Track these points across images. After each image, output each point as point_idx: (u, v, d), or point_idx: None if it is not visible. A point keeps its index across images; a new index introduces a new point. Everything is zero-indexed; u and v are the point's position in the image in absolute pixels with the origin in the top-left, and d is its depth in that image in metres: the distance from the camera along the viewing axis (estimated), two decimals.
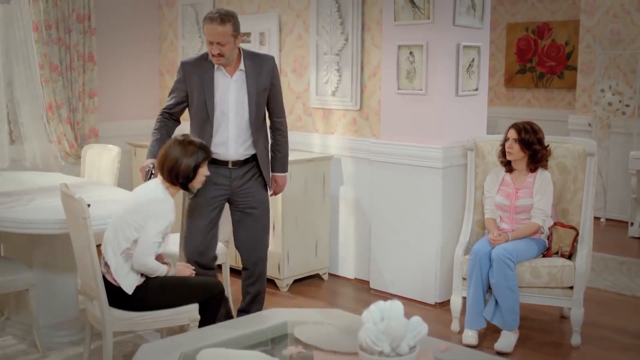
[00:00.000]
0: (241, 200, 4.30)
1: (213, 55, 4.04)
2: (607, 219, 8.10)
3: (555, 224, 4.70)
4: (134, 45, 7.25)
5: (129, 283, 3.62)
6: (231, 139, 4.18)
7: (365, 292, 5.54)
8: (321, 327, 3.04)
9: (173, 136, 4.01)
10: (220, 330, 3.19)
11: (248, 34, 6.40)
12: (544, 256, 4.63)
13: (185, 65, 4.18)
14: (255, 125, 4.22)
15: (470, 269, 4.52)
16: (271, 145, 4.40)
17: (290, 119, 6.14)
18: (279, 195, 5.38)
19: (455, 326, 4.71)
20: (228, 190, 4.24)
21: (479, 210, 4.90)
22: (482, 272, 4.47)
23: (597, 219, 7.90)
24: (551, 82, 9.43)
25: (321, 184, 5.70)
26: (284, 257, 5.50)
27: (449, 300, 4.88)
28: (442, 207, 5.08)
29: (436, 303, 5.18)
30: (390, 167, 5.32)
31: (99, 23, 6.76)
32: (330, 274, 5.89)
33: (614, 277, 5.94)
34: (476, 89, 5.28)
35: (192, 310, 3.69)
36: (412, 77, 5.14)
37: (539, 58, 9.49)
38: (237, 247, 4.45)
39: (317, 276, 5.84)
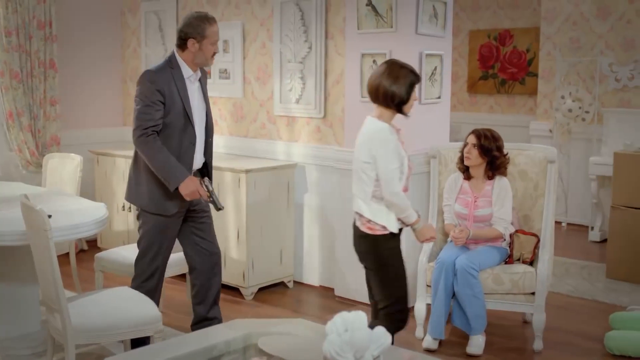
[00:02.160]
0: (198, 207, 4.25)
1: (213, 55, 4.07)
2: (568, 224, 8.22)
3: (516, 231, 4.76)
4: (96, 52, 7.19)
5: (392, 224, 3.64)
6: (198, 146, 4.14)
7: (330, 299, 5.55)
8: (286, 338, 3.04)
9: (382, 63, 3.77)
10: (184, 341, 3.17)
11: None
12: (505, 263, 4.68)
13: (158, 75, 3.98)
14: (210, 130, 4.24)
15: (435, 278, 4.55)
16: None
17: (254, 127, 6.15)
18: (244, 203, 5.39)
19: (419, 333, 4.74)
20: (190, 202, 4.14)
21: (442, 217, 4.94)
22: (447, 282, 4.50)
23: (558, 223, 8.01)
24: (513, 88, 9.54)
25: (285, 192, 5.70)
26: (248, 265, 5.48)
27: (413, 307, 4.90)
28: None
29: None
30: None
31: (60, 30, 6.69)
32: (295, 282, 5.89)
33: (576, 282, 6.03)
34: (439, 97, 5.32)
35: (156, 321, 3.67)
36: None
37: (500, 64, 9.60)
38: (194, 254, 4.30)
39: (282, 284, 5.83)
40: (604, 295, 5.70)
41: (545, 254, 4.60)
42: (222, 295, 5.52)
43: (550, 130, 8.31)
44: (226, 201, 5.51)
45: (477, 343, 4.50)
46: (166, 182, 3.95)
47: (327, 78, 5.63)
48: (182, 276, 4.91)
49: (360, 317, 2.42)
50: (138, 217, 4.20)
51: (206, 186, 4.04)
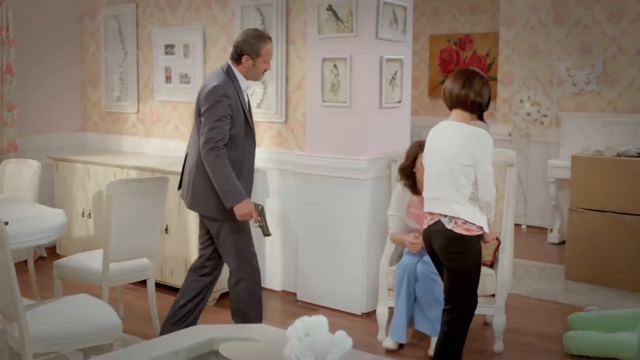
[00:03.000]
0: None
1: (264, 72, 4.30)
2: (528, 226, 8.32)
3: None
4: (54, 56, 7.10)
5: (484, 224, 3.81)
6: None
7: (292, 304, 5.55)
8: (247, 344, 3.02)
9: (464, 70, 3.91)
10: (144, 348, 3.14)
11: (172, 46, 6.35)
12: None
13: (228, 90, 4.15)
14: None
15: (398, 282, 4.57)
16: None
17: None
18: None
19: (381, 336, 4.75)
20: None
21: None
22: (409, 286, 4.53)
23: (518, 226, 8.10)
24: None
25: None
26: None
27: (375, 311, 4.93)
28: (368, 218, 5.13)
29: (363, 313, 5.22)
30: (315, 179, 5.35)
31: (17, 34, 6.59)
32: None
33: (535, 283, 6.10)
34: (399, 101, 5.36)
35: (116, 329, 3.63)
36: (336, 89, 5.18)
37: None
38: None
39: None
40: (563, 296, 5.78)
41: (505, 257, 4.65)
42: None
43: (510, 134, 8.41)
44: None
45: None
46: (224, 198, 4.09)
47: (289, 83, 5.63)
48: (143, 283, 4.87)
49: (321, 322, 2.42)
50: (216, 231, 4.31)
51: (259, 211, 4.17)
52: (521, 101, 8.16)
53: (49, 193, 6.60)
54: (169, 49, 6.39)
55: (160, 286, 5.58)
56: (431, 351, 4.50)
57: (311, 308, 5.35)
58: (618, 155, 6.17)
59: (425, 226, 3.94)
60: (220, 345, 2.97)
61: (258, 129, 5.80)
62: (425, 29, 10.00)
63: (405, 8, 5.30)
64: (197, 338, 3.09)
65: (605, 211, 6.07)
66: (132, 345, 3.45)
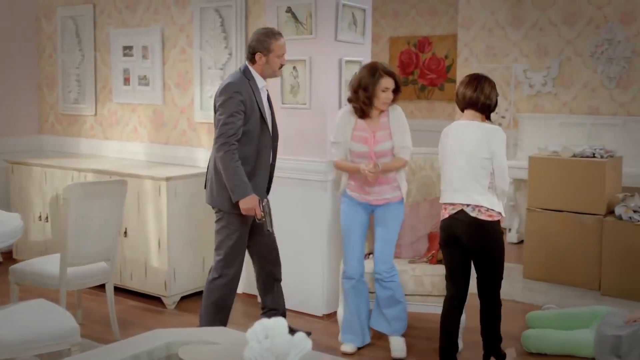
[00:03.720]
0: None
1: (280, 67, 4.43)
2: None
3: None
4: (10, 58, 6.99)
5: (502, 210, 4.17)
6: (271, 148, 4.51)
7: (253, 306, 5.53)
8: (207, 347, 3.00)
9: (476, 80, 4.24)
10: (102, 353, 3.10)
11: (130, 48, 6.30)
12: (429, 262, 4.73)
13: (241, 86, 4.27)
14: (275, 135, 4.56)
15: (346, 293, 4.60)
16: None
17: (175, 134, 6.08)
18: (165, 211, 5.33)
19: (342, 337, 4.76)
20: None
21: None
22: (358, 297, 4.57)
23: None
24: (432, 94, 9.73)
25: None
26: (170, 274, 5.42)
27: (336, 312, 4.93)
28: (329, 220, 5.14)
29: (324, 315, 5.23)
30: (275, 181, 5.31)
31: None
32: None
33: None
34: None
35: (74, 334, 3.58)
36: (295, 91, 5.19)
37: (420, 71, 9.77)
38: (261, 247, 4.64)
39: None
40: (521, 295, 5.86)
41: None
42: (142, 305, 5.48)
43: None
44: (146, 209, 5.43)
45: (399, 346, 4.55)
46: (231, 191, 4.22)
47: None
48: (102, 287, 4.81)
49: (281, 324, 2.42)
50: (218, 221, 4.42)
51: (263, 207, 4.26)
52: None
53: (5, 197, 6.49)
54: (127, 50, 6.34)
55: (119, 290, 5.53)
56: (394, 353, 4.52)
57: None
58: (574, 155, 6.26)
59: (446, 216, 4.20)
60: (179, 349, 2.95)
61: None
62: (385, 31, 10.05)
63: (364, 10, 5.33)
64: (156, 342, 3.07)
65: (562, 211, 6.16)
66: (90, 350, 3.41)
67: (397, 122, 4.56)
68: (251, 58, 4.36)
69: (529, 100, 8.27)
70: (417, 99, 9.82)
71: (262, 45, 4.31)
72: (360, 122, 4.55)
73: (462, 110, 4.29)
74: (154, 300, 5.53)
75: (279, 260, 4.72)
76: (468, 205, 4.11)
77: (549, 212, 6.23)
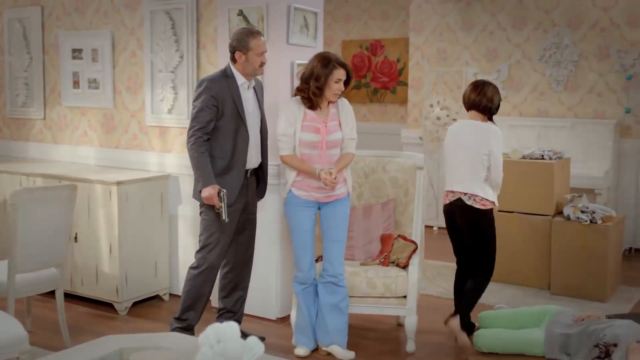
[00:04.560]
0: (250, 206, 4.68)
1: (261, 65, 4.48)
2: (439, 228, 8.48)
3: (398, 235, 4.86)
4: None
5: (496, 200, 4.81)
6: (256, 146, 4.57)
7: (207, 311, 5.48)
8: (159, 353, 2.98)
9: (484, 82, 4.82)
10: None
11: (80, 50, 6.22)
12: (381, 264, 4.76)
13: (214, 82, 4.42)
14: (264, 133, 4.67)
15: (298, 295, 4.60)
16: None
17: (125, 138, 6.02)
18: (116, 216, 5.27)
19: (295, 340, 4.75)
20: (245, 198, 4.59)
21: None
22: (312, 301, 4.59)
23: (430, 227, 8.28)
24: (385, 97, 9.79)
25: (159, 203, 5.61)
26: (121, 279, 5.35)
27: (289, 315, 4.93)
28: (282, 223, 5.13)
29: (277, 318, 5.22)
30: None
31: None
32: (171, 294, 5.79)
33: (447, 284, 6.22)
34: None
35: (22, 342, 3.52)
36: None
37: (372, 74, 9.83)
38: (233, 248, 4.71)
39: (157, 297, 5.73)
40: None
41: (416, 258, 4.73)
42: (93, 311, 5.41)
43: (421, 138, 8.57)
44: (97, 214, 5.37)
45: (341, 352, 4.55)
46: (196, 181, 4.44)
47: None
48: (51, 294, 4.74)
49: (233, 328, 2.41)
50: (200, 214, 4.57)
51: (221, 197, 4.33)
52: (431, 105, 8.33)
53: None
54: (77, 53, 6.26)
55: (70, 296, 5.45)
56: (342, 356, 4.53)
57: None
58: (523, 157, 6.36)
59: (447, 202, 4.84)
60: (131, 355, 2.92)
61: (168, 134, 5.75)
62: (337, 34, 10.10)
63: (316, 14, 5.34)
64: (108, 348, 3.03)
65: (512, 212, 6.25)
66: (39, 358, 3.36)
67: (345, 113, 4.56)
68: (232, 57, 4.47)
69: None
70: (369, 102, 9.88)
71: (240, 44, 4.40)
72: (310, 112, 4.48)
73: (468, 111, 4.85)
74: (106, 306, 5.47)
75: (250, 267, 4.79)
76: (465, 194, 4.72)
77: (500, 214, 6.25)
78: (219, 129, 4.41)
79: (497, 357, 4.64)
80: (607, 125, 7.53)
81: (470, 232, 4.80)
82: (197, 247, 4.60)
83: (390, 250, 4.80)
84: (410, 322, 4.64)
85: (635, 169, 7.57)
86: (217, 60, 5.37)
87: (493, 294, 5.93)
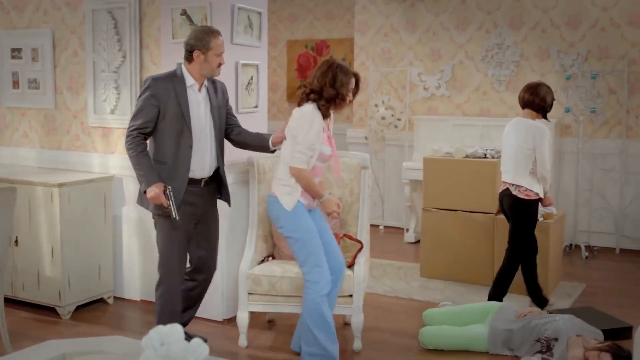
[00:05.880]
0: (207, 215, 4.50)
1: (219, 66, 4.31)
2: (385, 227, 8.57)
3: (344, 235, 4.88)
4: None
5: (540, 191, 5.36)
6: (207, 152, 4.36)
7: (151, 313, 5.42)
8: (101, 357, 2.94)
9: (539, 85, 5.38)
10: None
11: (19, 50, 6.10)
12: None
13: (157, 82, 4.24)
14: (219, 138, 4.45)
15: (324, 306, 4.34)
16: (240, 134, 4.59)
17: (67, 139, 5.92)
18: (58, 219, 5.18)
19: (242, 341, 4.74)
20: (200, 209, 4.42)
21: (262, 224, 4.96)
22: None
23: (376, 227, 8.35)
24: None
25: (102, 205, 5.53)
26: (64, 283, 5.26)
27: (235, 317, 4.91)
28: (227, 223, 5.10)
29: (224, 319, 5.20)
30: None
31: None
32: (115, 297, 5.72)
33: (392, 282, 6.28)
34: (256, 106, 5.37)
35: None
36: None
37: None
38: (194, 259, 4.57)
39: (101, 300, 5.65)
40: (418, 293, 5.99)
41: (361, 256, 4.76)
42: (35, 316, 5.32)
43: (366, 137, 8.63)
44: (38, 217, 5.27)
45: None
46: (139, 182, 4.24)
47: None
48: None
49: (177, 330, 2.40)
50: (155, 225, 4.40)
51: (167, 195, 4.16)
52: (376, 105, 8.40)
53: None
54: (16, 52, 6.13)
55: (10, 301, 5.34)
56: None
57: None
58: (466, 156, 6.45)
59: (499, 190, 5.51)
60: None
61: (111, 135, 5.68)
62: (282, 34, 10.10)
63: (260, 14, 5.33)
64: (50, 353, 2.98)
65: (456, 210, 6.34)
66: None
67: (331, 124, 4.47)
68: (188, 56, 4.28)
69: (424, 103, 8.47)
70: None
71: (200, 43, 4.23)
72: (323, 125, 4.31)
73: (522, 109, 5.40)
74: (48, 310, 5.37)
75: (212, 273, 4.65)
76: (512, 184, 5.32)
77: (444, 212, 6.40)
78: (160, 131, 4.24)
79: (442, 353, 4.70)
80: (548, 124, 7.68)
81: (512, 219, 5.42)
82: (158, 263, 4.43)
83: None
84: (357, 320, 4.66)
85: (575, 167, 7.74)
86: (161, 60, 5.32)
87: (437, 292, 6.01)
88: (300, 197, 4.27)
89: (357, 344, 4.71)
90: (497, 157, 6.33)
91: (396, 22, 8.61)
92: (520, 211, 5.35)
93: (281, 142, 4.44)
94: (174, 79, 4.27)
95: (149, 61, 5.47)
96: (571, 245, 7.67)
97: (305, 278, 4.29)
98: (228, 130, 4.58)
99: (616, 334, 4.80)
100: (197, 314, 5.18)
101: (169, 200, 4.16)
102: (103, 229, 5.56)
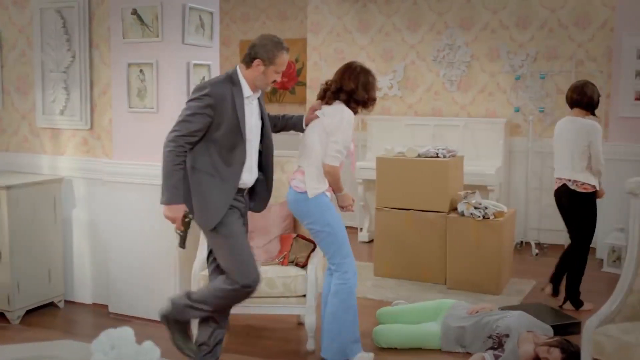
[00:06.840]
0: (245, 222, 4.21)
1: (273, 82, 4.05)
2: None
3: (297, 235, 4.89)
4: None
5: (597, 184, 5.60)
6: (254, 164, 4.09)
7: (104, 317, 5.38)
8: None
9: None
10: None
11: None
12: (281, 264, 4.77)
13: (217, 90, 3.84)
14: (266, 150, 4.20)
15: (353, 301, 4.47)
16: (275, 126, 4.53)
17: (16, 140, 5.83)
18: (6, 222, 5.09)
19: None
20: (244, 215, 4.13)
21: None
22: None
23: None
24: (284, 97, 9.82)
25: (52, 208, 5.44)
26: (13, 287, 5.16)
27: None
28: None
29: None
30: (124, 187, 5.22)
31: None
32: (66, 301, 5.63)
33: None
34: None
35: None
36: (143, 95, 5.09)
37: None
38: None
39: (52, 304, 5.56)
40: (372, 292, 6.02)
41: (315, 257, 4.77)
42: None
43: None
44: None
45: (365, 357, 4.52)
46: (161, 192, 3.87)
47: (93, 88, 5.45)
48: None
49: (127, 333, 2.38)
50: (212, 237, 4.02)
51: (186, 222, 3.92)
52: None
53: None
54: None
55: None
56: None
57: (124, 320, 5.21)
58: (419, 155, 6.50)
59: (556, 187, 5.70)
60: None
61: (61, 136, 5.60)
62: (235, 34, 10.06)
63: (211, 13, 5.31)
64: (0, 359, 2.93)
65: (409, 209, 6.38)
66: None
67: None
68: (248, 61, 3.95)
69: (377, 103, 8.49)
70: (269, 102, 9.89)
71: (266, 54, 3.90)
72: None
73: (571, 108, 5.65)
74: None
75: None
76: (569, 180, 5.56)
77: (397, 211, 6.44)
78: (213, 142, 3.86)
79: (396, 352, 4.74)
80: (498, 124, 7.80)
81: (573, 213, 5.62)
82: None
83: (289, 250, 4.83)
84: (310, 320, 4.67)
85: (525, 165, 7.87)
86: (111, 59, 5.26)
87: (391, 291, 6.05)
88: (326, 192, 4.43)
89: (311, 344, 4.72)
90: (449, 157, 6.39)
91: (349, 23, 8.65)
92: (583, 205, 5.56)
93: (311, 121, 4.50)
94: (233, 88, 3.89)
95: (99, 61, 5.40)
96: (522, 242, 7.79)
97: (335, 270, 4.41)
98: None
99: (565, 329, 4.89)
100: (151, 317, 5.16)
101: (185, 228, 3.94)
102: (53, 232, 5.47)
